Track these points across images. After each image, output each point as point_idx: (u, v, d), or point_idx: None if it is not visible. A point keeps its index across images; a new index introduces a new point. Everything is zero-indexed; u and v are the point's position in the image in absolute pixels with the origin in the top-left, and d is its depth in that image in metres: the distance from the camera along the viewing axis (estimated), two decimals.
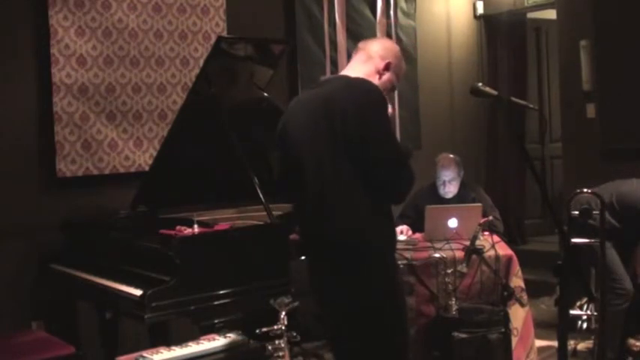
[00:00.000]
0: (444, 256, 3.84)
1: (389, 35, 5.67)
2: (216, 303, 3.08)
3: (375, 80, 2.66)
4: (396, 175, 2.53)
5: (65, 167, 4.05)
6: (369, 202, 2.51)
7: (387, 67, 2.69)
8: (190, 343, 2.73)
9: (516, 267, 3.91)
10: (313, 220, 2.61)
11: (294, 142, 2.62)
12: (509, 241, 4.84)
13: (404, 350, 2.66)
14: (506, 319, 3.40)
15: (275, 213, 3.37)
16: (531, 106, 2.72)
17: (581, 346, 4.40)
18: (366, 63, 2.70)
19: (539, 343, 4.28)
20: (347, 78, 2.64)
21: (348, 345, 2.62)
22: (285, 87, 5.02)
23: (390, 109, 2.63)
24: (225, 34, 4.62)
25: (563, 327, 3.44)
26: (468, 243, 3.51)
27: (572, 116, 5.61)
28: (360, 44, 2.79)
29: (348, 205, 2.51)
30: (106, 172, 4.19)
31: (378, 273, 2.54)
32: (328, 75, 2.82)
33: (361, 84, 2.57)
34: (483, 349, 3.64)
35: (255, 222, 3.50)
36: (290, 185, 2.70)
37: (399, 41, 5.74)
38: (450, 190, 4.39)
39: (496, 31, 6.64)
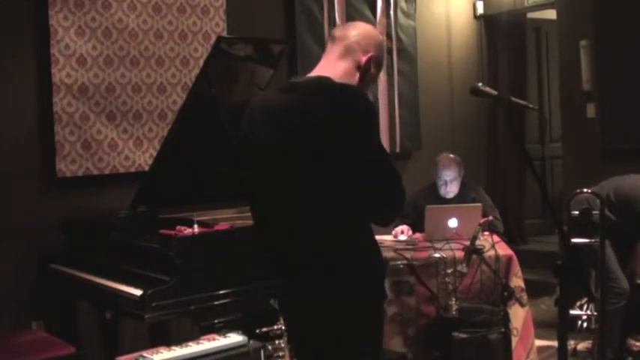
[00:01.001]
0: (444, 256, 3.84)
1: (389, 35, 5.67)
2: (216, 303, 3.08)
3: (355, 78, 2.27)
4: (389, 194, 2.18)
5: (65, 167, 4.05)
6: (352, 222, 2.16)
7: (368, 61, 2.27)
8: (190, 343, 2.73)
9: (516, 267, 3.91)
10: (283, 235, 2.23)
11: (265, 152, 2.20)
12: (509, 241, 4.84)
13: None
14: (506, 319, 3.40)
15: None
16: (531, 106, 2.72)
17: (581, 346, 4.40)
18: (344, 58, 2.26)
19: (539, 343, 4.27)
20: (326, 83, 2.20)
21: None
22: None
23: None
24: (225, 34, 4.62)
25: (563, 327, 3.44)
26: (468, 243, 3.51)
27: (572, 116, 5.61)
28: (337, 32, 2.33)
29: (328, 226, 2.14)
30: (106, 172, 4.19)
31: (362, 302, 2.17)
32: (299, 76, 2.38)
33: (346, 93, 2.15)
34: (483, 349, 3.64)
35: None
36: (251, 190, 2.31)
37: (399, 41, 5.75)
38: (451, 190, 4.39)
39: (496, 31, 6.64)
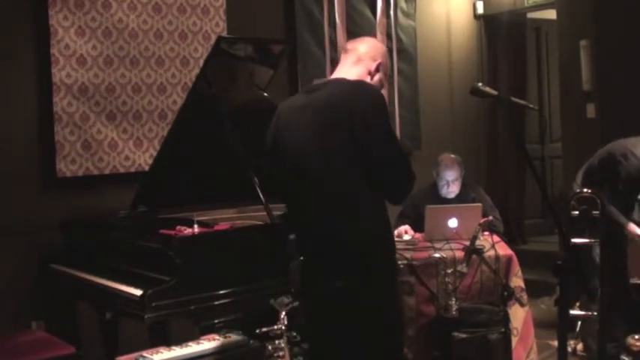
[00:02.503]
0: (444, 256, 3.84)
1: (389, 35, 5.67)
2: (216, 303, 3.08)
3: (368, 81, 2.70)
4: (399, 175, 2.58)
5: (65, 167, 4.05)
6: (373, 203, 2.57)
7: (377, 68, 2.72)
8: (190, 343, 2.73)
9: (516, 267, 3.91)
10: (319, 221, 2.62)
11: (294, 148, 2.63)
12: (509, 241, 4.84)
13: (399, 351, 2.66)
14: (506, 319, 3.40)
15: (275, 213, 3.37)
16: (531, 106, 2.72)
17: (581, 346, 4.40)
18: (357, 65, 2.72)
19: (539, 343, 4.27)
20: (346, 80, 2.65)
21: (341, 345, 2.61)
22: (285, 87, 5.02)
23: None
24: (225, 34, 4.62)
25: (564, 327, 3.44)
26: (468, 243, 3.51)
27: (572, 116, 5.61)
28: (349, 45, 2.82)
29: (354, 207, 2.55)
30: (106, 172, 4.19)
31: (380, 273, 2.56)
32: (321, 79, 2.85)
33: (362, 86, 2.60)
34: (483, 349, 3.64)
35: (255, 222, 3.50)
36: (286, 187, 2.73)
37: (399, 41, 5.75)
38: (452, 190, 4.38)
39: (496, 31, 6.65)
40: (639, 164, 3.98)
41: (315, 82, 2.80)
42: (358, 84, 2.62)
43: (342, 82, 2.66)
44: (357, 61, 2.72)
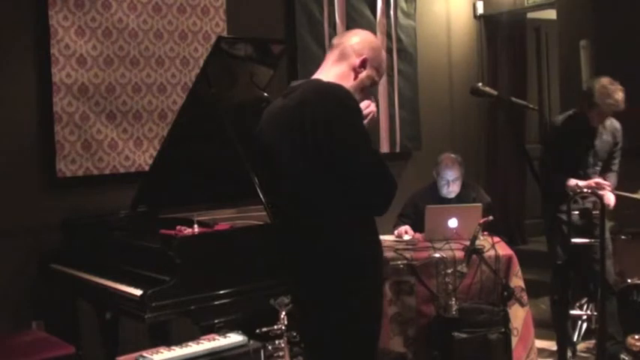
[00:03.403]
0: (444, 256, 3.84)
1: (389, 35, 5.67)
2: (216, 303, 3.08)
3: (351, 80, 2.43)
4: (370, 186, 2.30)
5: (65, 167, 4.05)
6: (348, 213, 2.33)
7: (363, 64, 2.43)
8: (190, 343, 2.73)
9: (516, 267, 3.91)
10: (290, 235, 2.46)
11: (270, 154, 2.44)
12: (509, 241, 4.84)
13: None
14: (506, 319, 3.40)
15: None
16: (531, 106, 2.72)
17: (581, 346, 4.40)
18: (339, 62, 2.44)
19: (539, 343, 4.28)
20: (316, 84, 2.40)
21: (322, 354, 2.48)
22: (285, 87, 5.00)
23: (372, 108, 2.45)
24: (225, 34, 4.62)
25: (563, 327, 3.45)
26: (468, 243, 3.51)
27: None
28: (335, 40, 2.53)
29: (326, 218, 2.34)
30: (106, 172, 4.19)
31: (352, 290, 2.34)
32: (299, 80, 2.54)
33: (329, 90, 2.33)
34: (483, 349, 3.65)
35: (255, 222, 3.50)
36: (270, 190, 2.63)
37: (399, 41, 5.75)
38: (453, 189, 4.39)
39: (496, 31, 6.64)
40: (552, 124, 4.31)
41: (292, 83, 2.51)
42: (327, 88, 2.34)
43: (315, 84, 2.40)
44: (340, 57, 2.44)
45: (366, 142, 2.30)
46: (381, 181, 2.31)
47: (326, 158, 2.27)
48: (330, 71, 2.44)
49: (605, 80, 4.09)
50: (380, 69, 2.49)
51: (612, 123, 4.30)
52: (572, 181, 4.11)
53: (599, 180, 4.13)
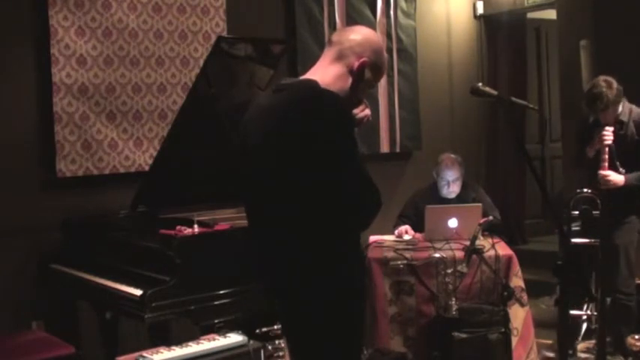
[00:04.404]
0: (444, 256, 3.84)
1: (389, 35, 5.67)
2: (216, 303, 3.08)
3: (347, 82, 2.24)
4: (352, 200, 2.12)
5: (65, 167, 4.05)
6: (320, 226, 2.13)
7: (361, 66, 2.23)
8: (190, 343, 2.73)
9: (516, 267, 3.91)
10: (263, 236, 2.27)
11: (250, 150, 2.25)
12: (509, 241, 4.85)
13: None
14: (506, 319, 3.40)
15: None
16: (531, 106, 2.72)
17: (581, 346, 4.40)
18: (337, 62, 2.24)
19: (539, 343, 4.28)
20: (309, 86, 2.19)
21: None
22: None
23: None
24: (225, 34, 4.62)
25: (563, 327, 3.44)
26: (468, 243, 3.51)
27: (572, 116, 5.60)
28: (334, 36, 2.33)
29: (294, 230, 2.15)
30: (106, 172, 4.19)
31: (320, 301, 2.17)
32: (290, 78, 2.34)
33: (317, 98, 2.13)
34: (483, 349, 3.65)
35: None
36: (243, 186, 2.34)
37: (399, 41, 5.75)
38: (453, 190, 4.39)
39: (496, 31, 6.64)
40: None
41: (283, 80, 2.31)
42: (317, 95, 2.14)
43: (306, 86, 2.20)
44: (338, 57, 2.24)
45: (351, 159, 2.13)
46: (363, 196, 2.14)
47: (305, 168, 2.09)
48: (327, 72, 2.24)
49: (589, 84, 4.03)
50: (379, 72, 2.32)
51: (638, 115, 4.07)
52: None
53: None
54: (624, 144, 3.99)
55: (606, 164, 3.92)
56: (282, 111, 2.15)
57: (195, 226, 3.26)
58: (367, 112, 2.31)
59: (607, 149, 3.91)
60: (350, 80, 2.23)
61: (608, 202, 3.98)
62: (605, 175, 3.92)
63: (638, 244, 4.13)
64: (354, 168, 2.12)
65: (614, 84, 3.98)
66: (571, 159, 4.20)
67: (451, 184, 4.37)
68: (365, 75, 2.25)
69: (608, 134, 3.90)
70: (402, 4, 5.81)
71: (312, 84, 2.19)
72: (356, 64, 2.22)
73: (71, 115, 4.07)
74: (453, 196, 4.41)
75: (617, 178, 3.94)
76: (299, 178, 2.10)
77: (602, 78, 4.02)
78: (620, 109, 4.01)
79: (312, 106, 2.11)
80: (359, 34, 2.29)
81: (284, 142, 2.11)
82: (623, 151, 3.97)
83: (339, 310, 2.18)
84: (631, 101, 4.13)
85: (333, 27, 5.28)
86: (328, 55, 2.27)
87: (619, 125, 4.01)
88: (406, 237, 4.24)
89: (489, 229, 4.14)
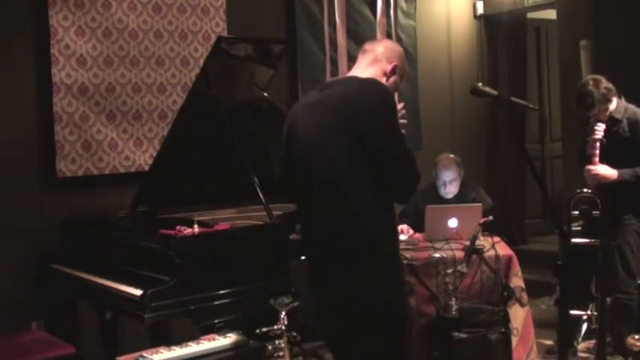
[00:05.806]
0: (444, 256, 3.84)
1: (389, 35, 5.67)
2: (216, 303, 3.08)
3: (383, 82, 2.69)
4: (405, 175, 2.57)
5: (65, 167, 4.05)
6: (378, 203, 2.54)
7: (393, 70, 2.71)
8: (190, 343, 2.73)
9: (516, 267, 3.91)
10: (322, 218, 2.60)
11: (305, 144, 2.63)
12: (509, 241, 4.85)
13: (400, 348, 2.66)
14: (506, 319, 3.40)
15: (275, 213, 3.37)
16: (531, 106, 2.72)
17: (581, 346, 4.40)
18: (373, 65, 2.71)
19: (539, 343, 4.28)
20: (357, 79, 2.65)
21: (348, 344, 2.62)
22: (285, 87, 5.02)
23: (400, 106, 2.68)
24: (225, 34, 4.62)
25: (564, 327, 3.44)
26: (468, 243, 3.51)
27: (572, 116, 5.61)
28: (367, 46, 2.79)
29: (357, 207, 2.53)
30: (106, 172, 4.19)
31: (380, 274, 2.55)
32: (332, 77, 2.74)
33: (373, 85, 2.59)
34: (483, 349, 3.65)
35: (255, 222, 3.50)
36: (294, 185, 2.72)
37: (399, 41, 5.74)
38: (450, 190, 4.39)
39: (496, 31, 6.64)
40: None
41: (327, 80, 2.85)
42: (368, 82, 2.61)
43: (354, 80, 2.66)
44: (373, 61, 2.72)
45: (401, 134, 2.57)
46: (411, 171, 2.57)
47: (365, 146, 2.48)
48: (366, 71, 2.69)
49: (579, 83, 4.02)
50: (403, 77, 2.79)
51: (633, 113, 4.04)
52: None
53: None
54: (616, 141, 3.99)
55: (596, 159, 3.92)
56: (339, 98, 2.58)
57: (195, 226, 3.26)
58: (400, 105, 2.71)
59: (597, 144, 3.91)
60: (384, 81, 2.69)
61: (607, 202, 3.98)
62: (591, 170, 3.92)
63: (637, 245, 4.13)
64: (405, 143, 2.57)
65: (603, 83, 3.98)
66: (579, 159, 4.19)
67: (448, 184, 4.38)
68: (394, 78, 2.73)
69: (599, 129, 3.91)
70: (402, 4, 5.81)
71: (357, 77, 2.65)
72: (388, 67, 2.71)
73: (71, 115, 4.07)
74: (450, 196, 4.41)
75: (608, 172, 3.93)
76: (363, 153, 2.49)
77: (590, 77, 4.05)
78: (612, 106, 4.02)
79: (372, 89, 2.56)
80: (387, 44, 2.86)
81: (347, 123, 2.50)
82: (615, 148, 3.97)
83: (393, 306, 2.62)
84: (630, 101, 4.12)
85: (333, 27, 5.28)
86: (364, 60, 2.74)
87: (611, 122, 4.01)
88: (402, 237, 4.24)
89: (490, 227, 4.14)
